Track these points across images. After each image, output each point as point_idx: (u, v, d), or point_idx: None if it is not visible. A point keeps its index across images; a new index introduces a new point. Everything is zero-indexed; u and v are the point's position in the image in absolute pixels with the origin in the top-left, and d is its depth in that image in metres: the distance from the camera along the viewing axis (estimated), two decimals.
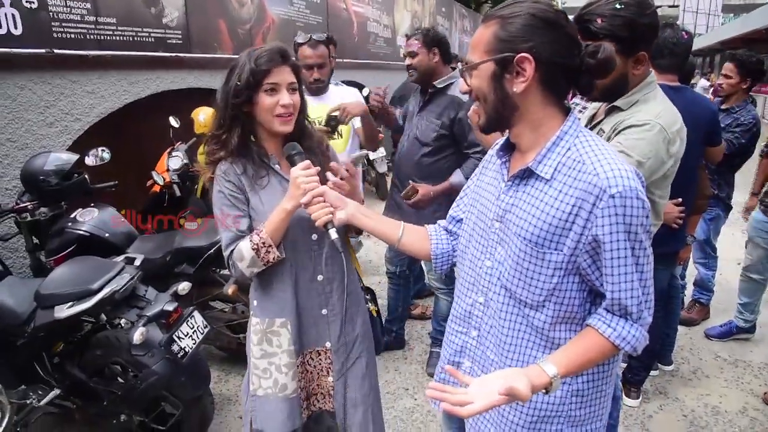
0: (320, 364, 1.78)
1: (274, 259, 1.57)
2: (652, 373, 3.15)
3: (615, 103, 1.74)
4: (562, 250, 1.16)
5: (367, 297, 2.25)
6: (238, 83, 1.53)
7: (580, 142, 1.16)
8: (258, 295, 1.74)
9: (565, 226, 1.14)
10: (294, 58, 1.63)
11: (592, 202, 1.10)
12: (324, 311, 1.74)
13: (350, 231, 1.82)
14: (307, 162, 1.51)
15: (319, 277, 1.72)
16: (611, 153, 1.14)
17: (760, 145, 3.55)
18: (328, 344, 1.77)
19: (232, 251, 1.60)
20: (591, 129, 1.81)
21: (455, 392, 1.10)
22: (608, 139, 1.69)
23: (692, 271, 3.88)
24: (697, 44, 17.93)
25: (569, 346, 1.19)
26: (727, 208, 3.61)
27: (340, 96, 2.91)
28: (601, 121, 1.80)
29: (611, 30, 1.55)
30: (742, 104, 3.39)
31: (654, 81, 1.75)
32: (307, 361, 1.78)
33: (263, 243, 1.55)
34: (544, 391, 1.12)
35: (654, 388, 3.10)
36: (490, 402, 1.05)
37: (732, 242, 4.39)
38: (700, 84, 17.50)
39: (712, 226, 3.67)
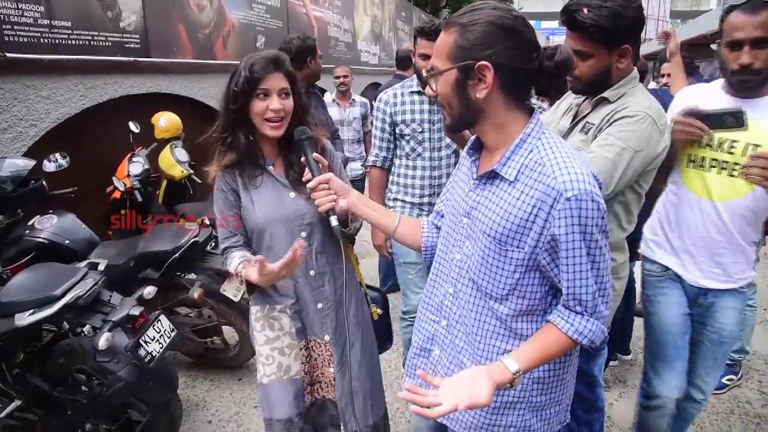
0: (322, 354, 1.84)
1: (244, 292, 1.63)
2: (612, 363, 3.26)
3: (603, 95, 1.74)
4: (523, 248, 1.22)
5: (368, 296, 2.05)
6: (236, 89, 1.60)
7: (541, 144, 1.22)
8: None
9: (526, 225, 1.20)
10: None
11: (550, 204, 1.16)
12: (320, 305, 1.78)
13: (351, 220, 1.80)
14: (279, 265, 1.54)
15: (312, 272, 1.76)
16: (570, 155, 1.20)
17: None
18: (326, 337, 1.81)
19: (226, 249, 1.74)
20: (576, 123, 1.83)
21: (426, 394, 1.16)
22: (599, 131, 1.70)
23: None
24: (648, 49, 18.60)
25: (530, 342, 1.25)
26: None
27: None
28: (587, 114, 1.80)
29: (596, 20, 1.58)
30: None
31: (637, 77, 1.76)
32: (312, 347, 1.83)
33: (239, 275, 1.66)
34: (509, 385, 1.18)
35: (614, 377, 3.22)
36: (454, 405, 1.10)
37: None
38: (650, 87, 18.08)
39: None
